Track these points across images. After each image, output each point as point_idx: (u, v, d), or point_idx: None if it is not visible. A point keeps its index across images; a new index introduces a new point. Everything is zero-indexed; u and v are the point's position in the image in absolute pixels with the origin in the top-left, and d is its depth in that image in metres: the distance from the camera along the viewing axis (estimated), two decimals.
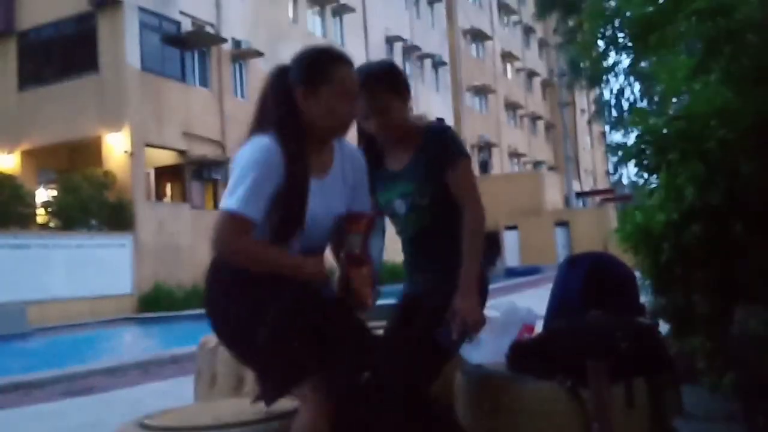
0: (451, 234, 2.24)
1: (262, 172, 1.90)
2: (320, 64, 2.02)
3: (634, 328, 2.30)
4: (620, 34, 3.98)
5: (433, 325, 2.16)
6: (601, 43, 4.48)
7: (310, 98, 1.99)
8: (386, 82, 2.30)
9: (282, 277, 1.95)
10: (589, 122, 46.01)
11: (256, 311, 1.93)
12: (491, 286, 2.42)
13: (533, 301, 2.65)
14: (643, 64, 5.09)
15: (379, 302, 2.25)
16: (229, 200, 1.88)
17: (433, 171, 2.27)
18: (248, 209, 1.87)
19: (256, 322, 1.91)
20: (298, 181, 1.94)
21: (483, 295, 2.25)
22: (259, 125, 2.02)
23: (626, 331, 2.25)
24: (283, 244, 1.97)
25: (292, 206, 1.94)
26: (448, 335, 2.11)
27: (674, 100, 4.38)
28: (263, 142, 1.93)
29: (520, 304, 2.68)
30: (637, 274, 4.16)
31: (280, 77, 2.06)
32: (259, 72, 22.44)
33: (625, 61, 5.06)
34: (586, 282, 2.49)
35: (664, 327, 4.05)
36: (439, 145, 2.29)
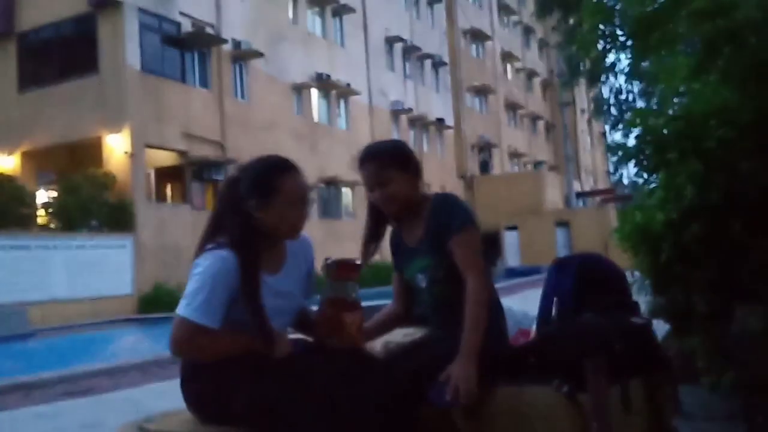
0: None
1: (219, 282, 2.04)
2: (269, 178, 2.16)
3: (626, 329, 2.29)
4: (620, 33, 3.98)
5: (427, 367, 2.19)
6: (600, 41, 4.48)
7: (262, 209, 2.12)
8: (389, 157, 2.42)
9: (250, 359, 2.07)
10: (589, 122, 46.04)
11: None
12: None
13: (533, 302, 2.64)
14: (643, 63, 5.08)
15: (371, 303, 2.30)
16: (187, 308, 2.03)
17: (442, 243, 2.33)
18: (203, 317, 2.01)
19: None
20: (252, 289, 2.07)
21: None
22: (214, 235, 2.15)
23: (619, 333, 2.25)
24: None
25: (250, 309, 2.07)
26: (441, 394, 2.13)
27: (674, 100, 4.38)
28: (221, 254, 2.06)
29: (517, 308, 2.67)
30: (637, 273, 4.17)
31: (232, 189, 2.18)
32: (259, 73, 22.48)
33: (625, 60, 5.06)
34: (576, 285, 2.48)
35: (664, 327, 4.06)
36: (442, 215, 2.35)
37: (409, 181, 2.41)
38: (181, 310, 2.03)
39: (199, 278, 2.05)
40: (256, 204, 2.12)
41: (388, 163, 2.40)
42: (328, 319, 2.21)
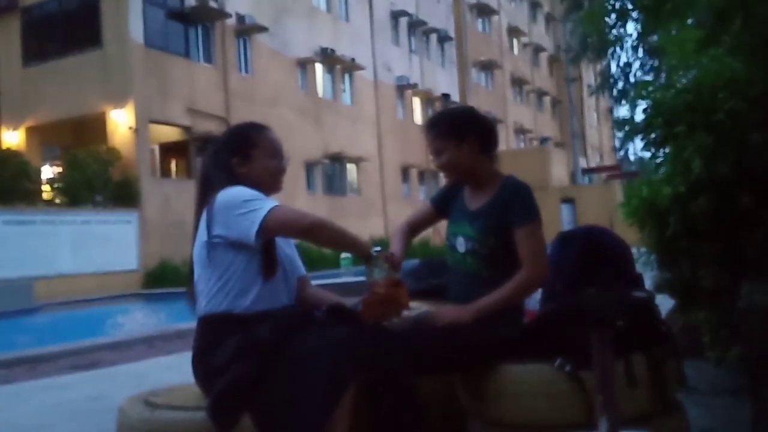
0: (499, 286, 2.33)
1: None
2: (246, 135, 2.37)
3: (628, 304, 2.28)
4: (629, 4, 3.92)
5: (428, 340, 2.23)
6: (609, 14, 4.42)
7: (245, 164, 2.30)
8: (444, 127, 2.47)
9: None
10: (593, 94, 45.66)
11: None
12: None
13: None
14: (651, 37, 5.02)
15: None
16: (269, 202, 2.13)
17: (500, 225, 2.36)
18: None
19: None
20: None
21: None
22: (206, 196, 2.26)
23: (621, 308, 2.23)
24: (270, 287, 2.19)
25: (270, 247, 2.19)
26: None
27: (682, 73, 4.32)
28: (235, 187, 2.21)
29: None
30: (643, 248, 4.14)
31: (215, 153, 2.35)
32: (263, 47, 22.34)
33: (634, 33, 5.01)
34: (580, 258, 2.47)
35: (669, 301, 4.04)
36: (517, 203, 2.36)
37: (465, 152, 2.43)
38: (266, 207, 2.10)
39: (241, 196, 2.14)
40: (238, 161, 2.30)
41: (442, 134, 2.45)
42: (392, 296, 2.23)
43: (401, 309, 2.26)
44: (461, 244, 2.44)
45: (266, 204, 2.11)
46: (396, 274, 2.28)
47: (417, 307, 2.44)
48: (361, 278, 2.49)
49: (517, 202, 2.36)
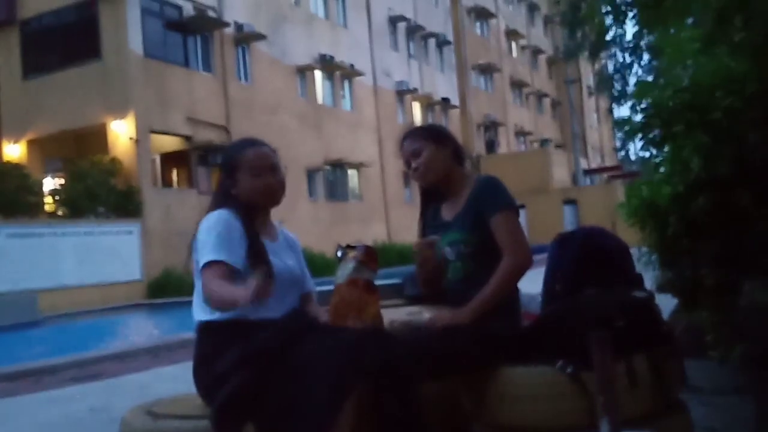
0: None
1: (224, 227, 2.20)
2: (230, 159, 2.39)
3: (628, 304, 2.28)
4: (627, 1, 3.93)
5: (428, 343, 2.24)
6: (606, 14, 4.43)
7: (234, 187, 2.34)
8: (423, 131, 2.61)
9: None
10: (592, 95, 45.70)
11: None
12: None
13: (539, 282, 2.61)
14: (648, 37, 5.02)
15: (382, 282, 2.33)
16: (205, 257, 2.14)
17: (479, 220, 2.42)
18: (220, 255, 2.13)
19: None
20: (255, 237, 2.24)
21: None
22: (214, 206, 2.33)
23: (620, 308, 2.23)
24: (262, 301, 2.00)
25: (258, 257, 2.19)
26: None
27: (679, 72, 4.32)
28: (216, 212, 2.26)
29: (524, 290, 2.64)
30: (644, 248, 4.14)
31: (220, 177, 2.42)
32: (262, 55, 22.38)
33: (629, 34, 5.01)
34: (579, 259, 2.47)
35: (671, 301, 4.04)
36: (486, 194, 2.44)
37: (443, 156, 2.53)
38: (204, 260, 2.13)
39: (204, 234, 2.20)
40: (230, 184, 2.34)
41: (422, 136, 2.56)
42: (350, 300, 2.19)
43: (365, 314, 2.17)
44: (450, 253, 2.49)
45: (206, 256, 2.14)
46: (366, 274, 2.21)
47: (416, 312, 2.45)
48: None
49: (487, 193, 2.45)
